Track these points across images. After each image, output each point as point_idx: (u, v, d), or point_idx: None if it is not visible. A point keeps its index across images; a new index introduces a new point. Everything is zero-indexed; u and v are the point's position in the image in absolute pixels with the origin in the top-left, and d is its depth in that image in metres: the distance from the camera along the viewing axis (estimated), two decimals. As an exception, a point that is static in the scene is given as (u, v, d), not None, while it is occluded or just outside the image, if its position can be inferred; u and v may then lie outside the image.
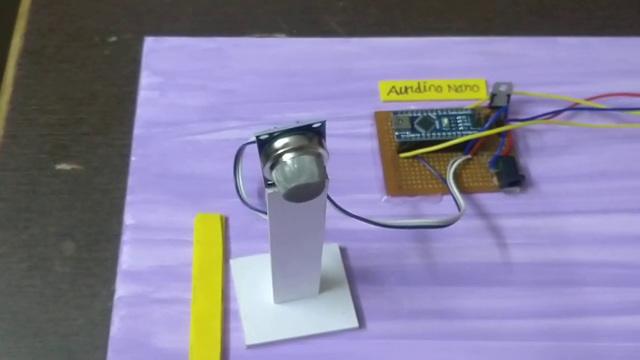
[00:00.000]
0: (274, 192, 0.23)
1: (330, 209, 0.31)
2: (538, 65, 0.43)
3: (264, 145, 0.21)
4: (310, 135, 0.21)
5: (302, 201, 0.22)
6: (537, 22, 0.49)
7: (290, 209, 0.24)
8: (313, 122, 0.21)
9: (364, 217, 0.32)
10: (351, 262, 0.36)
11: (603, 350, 0.34)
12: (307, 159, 0.21)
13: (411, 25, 0.48)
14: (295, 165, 0.21)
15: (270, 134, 0.21)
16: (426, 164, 0.39)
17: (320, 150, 0.22)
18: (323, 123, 0.22)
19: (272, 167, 0.22)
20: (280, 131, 0.21)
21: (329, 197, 0.30)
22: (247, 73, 0.42)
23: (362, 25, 0.48)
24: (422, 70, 0.43)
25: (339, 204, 0.32)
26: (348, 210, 0.31)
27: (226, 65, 0.42)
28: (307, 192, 0.22)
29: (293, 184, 0.21)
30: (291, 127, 0.21)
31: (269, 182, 0.23)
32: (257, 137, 0.21)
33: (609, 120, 0.41)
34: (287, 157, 0.21)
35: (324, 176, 0.22)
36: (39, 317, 0.35)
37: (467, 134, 0.38)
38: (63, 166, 0.40)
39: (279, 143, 0.21)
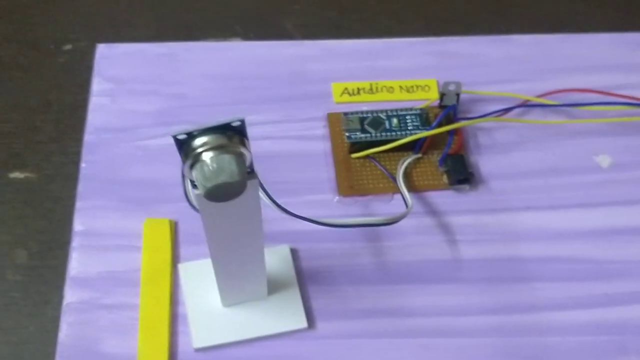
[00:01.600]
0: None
1: (277, 210, 0.31)
2: (491, 64, 0.44)
3: (183, 144, 0.21)
4: (230, 134, 0.22)
5: (225, 201, 0.22)
6: (493, 21, 0.50)
7: (222, 209, 0.24)
8: (232, 120, 0.21)
9: (312, 217, 0.32)
10: (302, 263, 0.36)
11: (552, 344, 0.34)
12: (227, 157, 0.21)
13: (368, 26, 0.49)
14: (215, 165, 0.21)
15: (189, 133, 0.21)
16: (377, 164, 0.39)
17: (242, 150, 0.22)
18: (242, 121, 0.22)
19: (191, 167, 0.22)
20: (199, 130, 0.21)
21: (271, 198, 0.30)
22: (199, 77, 0.42)
23: (318, 28, 0.48)
24: (375, 72, 0.43)
25: (291, 204, 0.33)
26: (293, 212, 0.32)
27: (178, 69, 0.42)
28: (228, 191, 0.22)
29: (212, 184, 0.21)
30: (210, 125, 0.21)
31: (194, 183, 0.23)
32: (174, 136, 0.21)
33: (560, 116, 0.42)
34: (207, 157, 0.21)
35: (244, 175, 0.22)
36: (-10, 326, 0.35)
37: (416, 133, 0.39)
38: (16, 175, 0.40)
39: (198, 142, 0.21)
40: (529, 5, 0.51)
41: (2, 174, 0.40)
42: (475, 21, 0.49)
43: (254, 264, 0.31)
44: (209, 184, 0.21)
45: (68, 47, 0.46)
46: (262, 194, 0.29)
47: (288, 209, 0.32)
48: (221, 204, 0.23)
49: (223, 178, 0.21)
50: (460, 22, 0.49)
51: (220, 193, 0.22)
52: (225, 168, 0.21)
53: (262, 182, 0.33)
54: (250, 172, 0.24)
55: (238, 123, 0.21)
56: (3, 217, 0.38)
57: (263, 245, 0.30)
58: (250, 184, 0.24)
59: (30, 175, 0.40)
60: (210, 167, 0.21)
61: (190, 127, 0.21)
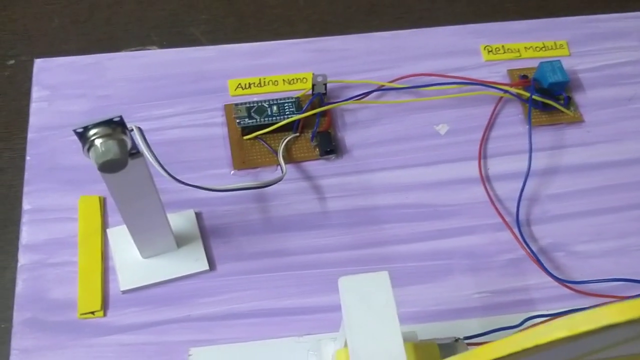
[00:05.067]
0: (102, 168, 0.33)
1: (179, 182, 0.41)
2: (356, 57, 0.54)
3: (81, 135, 0.31)
4: (114, 126, 0.31)
5: (114, 172, 0.32)
6: (366, 20, 0.60)
7: (119, 180, 0.34)
8: (113, 116, 0.31)
9: (202, 186, 0.43)
10: (205, 222, 0.47)
11: (397, 269, 0.45)
12: (111, 142, 0.31)
13: (262, 30, 0.59)
14: (103, 148, 0.31)
15: (85, 127, 0.31)
16: (264, 143, 0.49)
17: (123, 137, 0.32)
18: (121, 117, 0.32)
19: (88, 150, 0.31)
20: (91, 124, 0.31)
21: (169, 174, 0.40)
22: (119, 81, 0.52)
23: (222, 34, 0.58)
24: (263, 69, 0.53)
25: (196, 178, 0.43)
26: (195, 184, 0.42)
27: (102, 76, 0.52)
28: (114, 165, 0.31)
29: (102, 160, 0.31)
30: (98, 121, 0.31)
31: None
32: (75, 130, 0.31)
33: (409, 96, 0.53)
34: (98, 142, 0.31)
35: (126, 154, 0.32)
36: (-39, 289, 0.45)
37: (292, 117, 0.49)
38: (-26, 169, 0.49)
39: (91, 132, 0.31)
40: (397, 5, 0.61)
41: (-37, 169, 0.50)
42: (351, 21, 0.60)
43: (158, 223, 0.41)
44: (100, 161, 0.31)
45: (11, 62, 0.55)
46: (162, 171, 0.39)
47: (194, 182, 0.42)
48: (117, 175, 0.33)
49: (109, 156, 0.31)
50: (338, 23, 0.59)
51: (109, 167, 0.31)
52: (110, 149, 0.31)
53: (171, 161, 0.44)
54: (136, 153, 0.34)
55: (118, 118, 0.31)
56: (-34, 203, 0.48)
57: (162, 207, 0.40)
58: (137, 161, 0.34)
59: (-15, 170, 0.50)
60: (100, 149, 0.31)
61: (85, 122, 0.31)
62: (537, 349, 0.20)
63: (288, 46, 0.55)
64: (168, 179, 0.40)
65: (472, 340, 0.39)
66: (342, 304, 0.33)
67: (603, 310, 0.19)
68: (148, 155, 0.37)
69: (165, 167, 0.39)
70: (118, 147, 0.31)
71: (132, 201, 0.37)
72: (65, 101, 0.51)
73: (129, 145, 0.33)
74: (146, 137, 0.37)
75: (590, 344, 0.21)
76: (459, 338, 0.38)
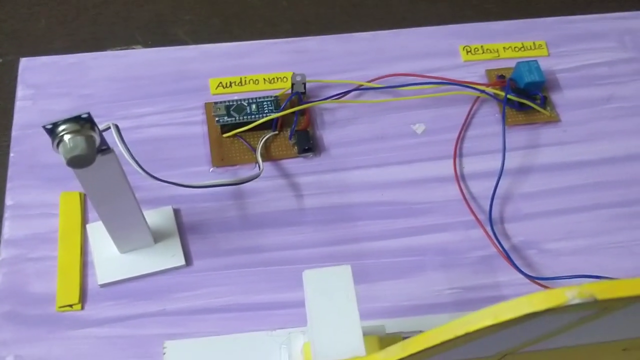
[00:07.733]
0: (72, 163, 0.34)
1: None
2: (335, 57, 0.55)
3: (51, 131, 0.32)
4: (82, 123, 0.32)
5: (83, 167, 0.33)
6: (348, 21, 0.61)
7: (90, 175, 0.35)
8: (80, 114, 0.32)
9: (177, 182, 0.43)
10: (183, 219, 0.47)
11: (369, 265, 0.46)
12: (79, 138, 0.32)
13: (246, 31, 0.60)
14: (71, 143, 0.32)
15: (54, 124, 0.32)
16: (243, 141, 0.50)
17: (91, 133, 0.33)
18: (89, 114, 0.32)
19: (57, 145, 0.32)
20: (61, 121, 0.32)
21: (145, 171, 0.41)
22: (102, 80, 0.53)
23: (205, 34, 0.59)
24: (244, 69, 0.54)
25: (175, 175, 0.44)
26: (172, 181, 0.43)
27: (86, 75, 0.53)
28: (82, 161, 0.32)
29: (70, 155, 0.32)
30: (67, 117, 0.32)
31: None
32: (44, 126, 0.32)
33: (387, 95, 0.53)
34: (66, 138, 0.32)
35: (93, 150, 0.33)
36: (-55, 283, 0.46)
37: (270, 115, 0.50)
38: (-40, 166, 0.50)
39: (60, 128, 0.32)
40: (379, 7, 0.62)
41: (-53, 166, 0.50)
42: (334, 21, 0.60)
43: (134, 220, 0.42)
44: (68, 156, 0.32)
45: (-1, 61, 0.56)
46: (138, 168, 0.40)
47: (174, 179, 0.43)
48: (87, 171, 0.34)
49: (77, 152, 0.32)
50: (321, 23, 0.60)
51: (77, 162, 0.32)
52: (78, 145, 0.32)
53: (151, 159, 0.45)
54: (105, 149, 0.35)
55: (86, 115, 0.32)
56: (-49, 199, 0.49)
57: (136, 204, 0.41)
58: (107, 157, 0.35)
59: (-30, 166, 0.51)
60: (68, 145, 0.32)
61: (54, 119, 0.32)
62: (468, 336, 0.21)
63: (269, 46, 0.56)
64: (145, 177, 0.41)
65: (439, 335, 0.40)
66: (305, 297, 0.34)
67: (526, 298, 0.19)
68: (124, 153, 0.38)
69: (144, 165, 0.40)
70: (85, 143, 0.32)
71: (105, 197, 0.38)
72: (49, 100, 0.52)
73: (98, 141, 0.33)
74: (123, 135, 0.38)
75: (523, 332, 0.22)
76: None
